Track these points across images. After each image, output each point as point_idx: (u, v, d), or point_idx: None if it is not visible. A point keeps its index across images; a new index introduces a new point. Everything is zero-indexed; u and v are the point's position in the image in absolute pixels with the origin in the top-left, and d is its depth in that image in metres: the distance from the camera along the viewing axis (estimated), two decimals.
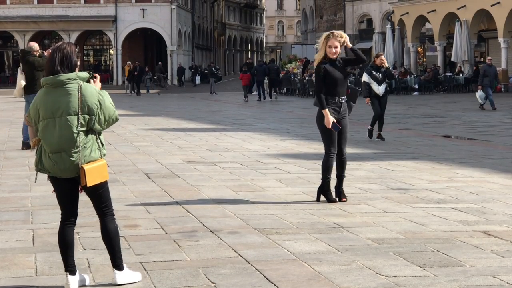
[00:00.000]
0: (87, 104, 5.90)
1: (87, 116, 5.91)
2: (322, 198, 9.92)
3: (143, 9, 65.70)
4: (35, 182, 6.40)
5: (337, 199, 9.81)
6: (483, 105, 29.36)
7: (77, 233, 8.03)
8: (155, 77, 61.86)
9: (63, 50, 5.97)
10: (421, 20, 51.69)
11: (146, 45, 71.84)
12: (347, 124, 9.87)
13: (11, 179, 12.16)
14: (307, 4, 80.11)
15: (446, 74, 48.12)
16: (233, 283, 6.17)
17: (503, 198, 10.01)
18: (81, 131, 5.90)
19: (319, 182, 11.39)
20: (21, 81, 16.64)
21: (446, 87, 46.55)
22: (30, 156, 15.27)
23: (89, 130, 5.96)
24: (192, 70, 64.93)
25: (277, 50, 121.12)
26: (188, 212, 9.17)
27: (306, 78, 43.21)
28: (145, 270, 6.56)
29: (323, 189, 9.87)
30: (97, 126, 5.95)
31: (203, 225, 8.42)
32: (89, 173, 5.89)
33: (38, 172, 6.16)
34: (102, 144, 6.07)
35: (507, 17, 44.12)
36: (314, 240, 7.64)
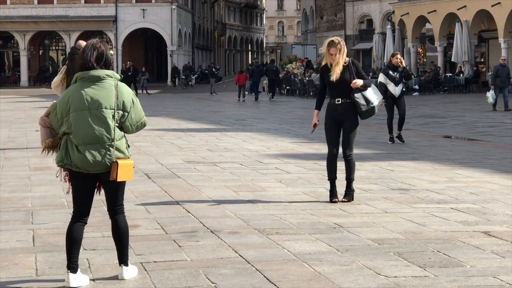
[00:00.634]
0: (123, 100, 6.02)
1: (121, 112, 6.02)
2: (322, 198, 9.94)
3: (143, 9, 65.70)
4: (57, 177, 6.38)
5: (338, 200, 9.83)
6: (495, 105, 28.84)
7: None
8: (183, 76, 61.67)
9: (98, 48, 6.10)
10: (422, 20, 51.68)
11: (146, 45, 71.84)
12: (350, 126, 9.75)
13: (11, 179, 12.16)
14: (308, 5, 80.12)
15: (447, 74, 48.11)
16: (234, 284, 6.17)
17: (504, 199, 10.01)
18: (116, 125, 6.00)
19: (319, 182, 11.44)
20: (59, 76, 16.84)
21: (446, 88, 46.54)
22: (30, 156, 15.29)
23: (120, 127, 6.05)
24: (187, 71, 64.53)
25: (278, 51, 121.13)
26: (189, 212, 9.17)
27: (307, 78, 43.23)
28: (145, 270, 6.56)
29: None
30: (127, 124, 6.05)
31: (204, 225, 8.42)
32: (121, 169, 5.99)
33: (62, 168, 6.16)
34: (128, 146, 6.14)
35: (507, 17, 44.09)
36: (314, 241, 7.64)
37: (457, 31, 46.21)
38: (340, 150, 9.88)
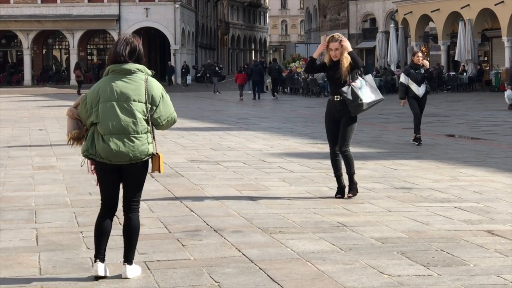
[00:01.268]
0: (152, 94, 6.11)
1: (150, 106, 6.10)
2: (325, 197, 9.95)
3: (146, 8, 65.71)
4: (81, 166, 6.42)
5: (341, 195, 10.04)
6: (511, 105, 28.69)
7: (81, 232, 8.05)
8: (207, 74, 61.26)
9: (131, 42, 6.22)
10: (425, 19, 51.62)
11: (149, 44, 71.82)
12: (347, 122, 9.95)
13: (15, 178, 12.17)
14: (311, 3, 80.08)
15: (450, 73, 48.07)
16: (237, 282, 6.17)
17: (507, 197, 10.00)
18: (143, 118, 6.07)
19: (322, 181, 11.45)
20: None
21: (449, 86, 46.49)
22: (34, 155, 15.31)
23: (148, 122, 6.10)
24: (183, 70, 64.00)
25: (281, 49, 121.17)
26: (192, 211, 9.18)
27: (310, 77, 43.21)
28: (149, 269, 6.57)
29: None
30: (156, 117, 6.12)
31: (207, 224, 8.42)
32: (161, 161, 6.15)
33: (86, 158, 6.21)
34: (154, 140, 6.21)
35: (511, 16, 44.03)
36: (317, 239, 7.64)
37: (461, 30, 46.17)
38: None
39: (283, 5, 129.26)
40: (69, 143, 6.35)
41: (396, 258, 6.87)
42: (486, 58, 51.61)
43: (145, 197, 10.13)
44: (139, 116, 6.06)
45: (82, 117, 6.21)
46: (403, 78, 16.84)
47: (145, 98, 6.09)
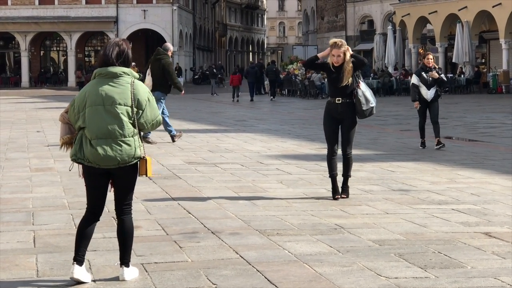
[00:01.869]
0: (138, 98, 6.09)
1: (136, 110, 6.08)
2: (323, 199, 9.96)
3: (144, 10, 65.74)
4: (70, 170, 6.42)
5: (339, 196, 10.10)
6: None
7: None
8: (219, 76, 61.07)
9: (120, 45, 6.20)
10: (422, 21, 51.66)
11: (147, 46, 71.77)
12: (350, 125, 10.08)
13: (12, 180, 12.16)
14: (308, 5, 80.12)
15: (447, 75, 48.08)
16: (234, 284, 6.17)
17: (504, 200, 10.01)
18: (130, 122, 6.06)
19: (320, 183, 11.45)
20: (149, 83, 17.66)
21: (447, 88, 46.50)
22: (31, 157, 15.30)
23: (134, 125, 6.10)
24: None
25: (278, 51, 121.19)
26: (189, 213, 9.18)
27: (307, 79, 43.22)
28: (146, 271, 6.57)
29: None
30: (142, 121, 6.12)
31: (204, 226, 8.42)
32: (149, 164, 6.12)
33: (75, 163, 6.20)
34: (142, 143, 6.21)
35: (508, 18, 44.08)
36: (315, 241, 7.64)
37: (458, 32, 46.20)
38: (340, 148, 10.20)
39: (281, 7, 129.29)
40: (61, 147, 6.35)
41: (394, 260, 6.88)
42: (483, 60, 51.67)
43: (142, 199, 10.16)
44: (125, 119, 6.04)
45: (72, 121, 6.20)
46: (415, 80, 16.24)
47: (131, 102, 6.06)
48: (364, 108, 9.96)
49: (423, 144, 16.29)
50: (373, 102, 10.03)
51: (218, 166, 13.57)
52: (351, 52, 10.04)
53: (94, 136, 6.03)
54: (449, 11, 48.17)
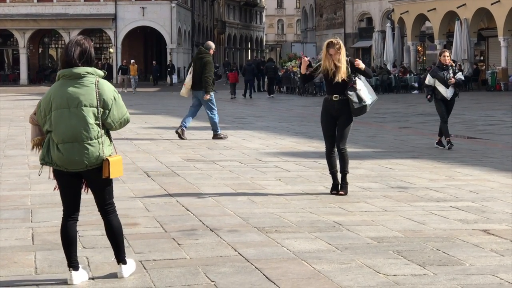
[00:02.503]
0: (103, 98, 5.98)
1: (102, 110, 5.98)
2: (321, 196, 9.96)
3: (142, 8, 65.68)
4: (39, 175, 6.40)
5: (336, 191, 10.26)
6: None
7: (77, 231, 8.02)
8: (219, 73, 60.75)
9: (82, 44, 6.06)
10: (421, 18, 51.66)
11: (146, 43, 71.81)
12: (345, 122, 10.19)
13: (11, 177, 12.16)
14: (307, 3, 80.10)
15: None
16: (233, 282, 6.16)
17: (503, 197, 10.01)
18: (96, 123, 5.96)
19: (318, 180, 11.45)
20: (188, 82, 18.17)
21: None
22: (30, 154, 15.28)
23: (102, 125, 6.01)
24: (169, 69, 63.25)
25: (277, 49, 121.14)
26: (188, 210, 9.17)
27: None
28: (145, 268, 6.56)
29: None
30: (109, 121, 6.02)
31: (203, 223, 8.41)
32: (113, 165, 6.00)
33: (44, 166, 6.15)
34: (111, 143, 6.12)
35: (507, 15, 44.08)
36: (313, 239, 7.63)
37: (457, 29, 46.20)
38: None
39: (280, 4, 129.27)
40: (33, 149, 6.30)
41: (392, 257, 6.88)
42: (482, 58, 51.68)
43: (140, 196, 10.16)
44: (91, 122, 5.93)
45: (40, 124, 6.11)
46: (429, 79, 15.72)
47: (97, 102, 5.95)
48: (356, 106, 10.05)
49: (449, 143, 15.64)
50: (367, 100, 10.08)
51: (217, 164, 13.56)
52: (363, 66, 10.10)
53: (61, 140, 5.94)
54: (448, 8, 48.17)
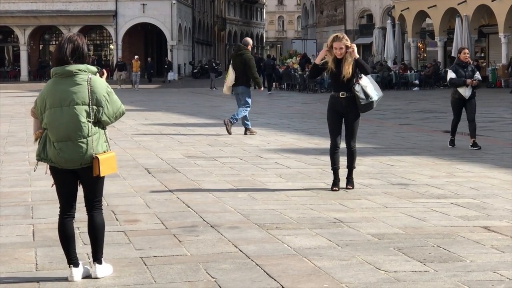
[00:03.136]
0: (96, 96, 5.95)
1: (95, 107, 5.96)
2: (322, 193, 9.97)
3: (143, 4, 65.63)
4: (35, 171, 6.40)
5: (338, 188, 10.31)
6: None
7: (77, 228, 8.01)
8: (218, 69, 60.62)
9: (74, 41, 6.03)
10: (422, 15, 51.64)
11: (146, 40, 71.78)
12: (354, 119, 10.27)
13: (11, 174, 12.16)
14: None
15: (447, 69, 48.02)
16: (234, 278, 6.17)
17: (503, 194, 10.01)
18: (88, 121, 5.94)
19: (319, 177, 11.46)
20: (229, 79, 18.19)
21: (446, 83, 46.44)
22: (31, 151, 15.28)
23: (97, 122, 6.00)
24: (166, 66, 63.01)
25: (278, 45, 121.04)
26: (188, 207, 9.17)
27: (306, 73, 43.21)
28: (145, 265, 6.57)
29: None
30: (105, 118, 6.01)
31: (203, 220, 8.42)
32: (103, 163, 5.96)
33: (39, 162, 6.16)
34: (107, 139, 6.10)
35: (507, 12, 44.04)
36: (314, 235, 7.64)
37: (457, 26, 46.16)
38: (344, 141, 10.37)
39: (280, 1, 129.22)
40: (35, 142, 6.28)
41: (393, 254, 6.88)
42: (482, 55, 51.65)
43: (141, 193, 10.16)
44: (84, 120, 5.92)
45: (39, 119, 6.12)
46: (452, 74, 15.32)
47: (89, 100, 5.93)
48: (363, 103, 10.13)
49: (452, 143, 15.56)
50: (374, 96, 10.15)
51: (217, 160, 13.56)
52: (357, 56, 10.12)
53: (55, 138, 5.95)
54: (448, 5, 48.14)
